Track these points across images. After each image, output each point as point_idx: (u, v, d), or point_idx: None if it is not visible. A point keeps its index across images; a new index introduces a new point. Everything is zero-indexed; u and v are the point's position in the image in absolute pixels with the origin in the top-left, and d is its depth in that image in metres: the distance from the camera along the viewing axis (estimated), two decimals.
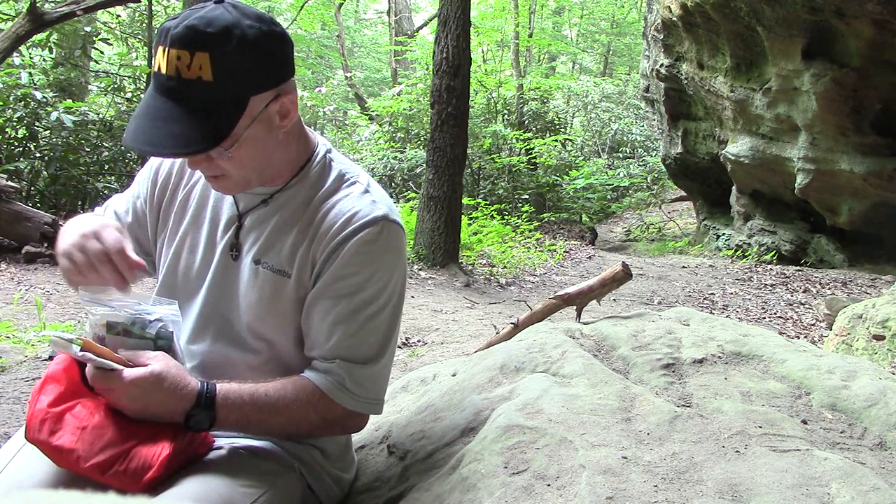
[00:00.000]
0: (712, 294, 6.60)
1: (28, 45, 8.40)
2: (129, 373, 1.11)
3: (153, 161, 1.46)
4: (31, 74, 8.28)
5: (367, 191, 1.31)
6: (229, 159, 1.18)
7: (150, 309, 1.20)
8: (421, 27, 19.38)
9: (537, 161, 13.06)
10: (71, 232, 1.19)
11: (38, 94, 7.66)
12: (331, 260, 1.26)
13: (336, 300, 1.26)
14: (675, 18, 8.57)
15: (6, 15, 9.20)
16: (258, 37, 1.12)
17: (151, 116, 1.13)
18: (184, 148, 1.13)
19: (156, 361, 1.14)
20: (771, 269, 8.19)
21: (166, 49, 1.10)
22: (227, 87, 1.12)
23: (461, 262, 6.98)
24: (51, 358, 1.20)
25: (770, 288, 7.02)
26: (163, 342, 1.20)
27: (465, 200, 7.81)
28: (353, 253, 1.25)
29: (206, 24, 1.09)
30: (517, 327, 2.47)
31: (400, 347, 4.16)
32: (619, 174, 13.76)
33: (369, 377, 1.29)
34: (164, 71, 1.11)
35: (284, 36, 1.18)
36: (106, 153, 8.77)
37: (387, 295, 1.29)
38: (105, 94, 10.02)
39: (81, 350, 1.07)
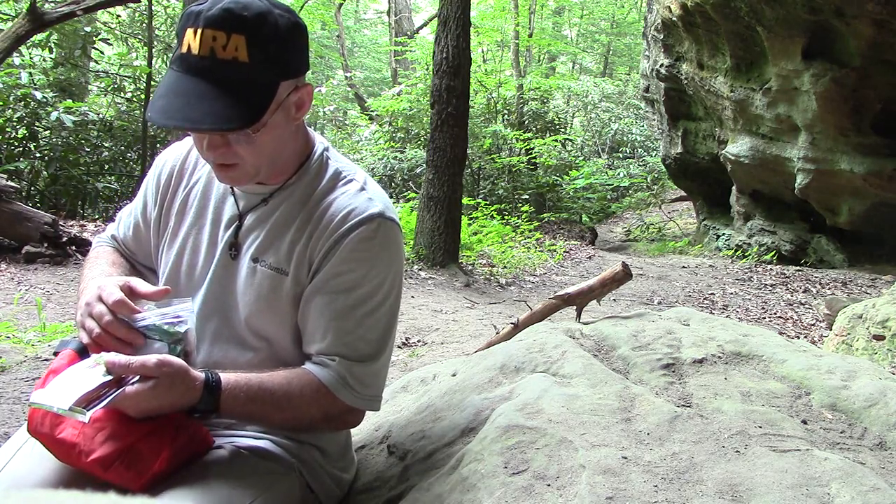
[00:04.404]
0: (712, 294, 6.60)
1: (28, 45, 8.40)
2: (130, 390, 1.07)
3: (155, 167, 1.47)
4: (31, 74, 8.28)
5: (363, 188, 1.32)
6: (249, 145, 1.19)
7: (166, 310, 1.20)
8: (421, 27, 19.38)
9: (537, 161, 13.06)
10: (80, 301, 1.23)
11: (38, 94, 7.66)
12: (327, 257, 1.27)
13: (333, 297, 1.26)
14: (675, 18, 8.57)
15: (6, 15, 9.19)
16: (288, 26, 1.16)
17: (183, 94, 1.13)
18: (224, 124, 1.14)
19: (161, 369, 1.10)
20: (771, 269, 8.19)
21: (198, 30, 1.11)
22: (260, 70, 1.14)
23: (461, 262, 6.98)
24: (55, 355, 1.20)
25: (770, 288, 7.02)
26: (176, 344, 1.20)
27: (465, 200, 7.81)
28: (349, 250, 1.26)
29: (242, 7, 1.12)
30: (517, 327, 2.47)
31: (400, 347, 4.16)
32: (619, 174, 13.77)
33: (369, 374, 1.30)
34: (195, 51, 1.12)
35: (305, 29, 1.22)
36: (106, 153, 8.78)
37: (384, 292, 1.30)
38: (105, 94, 10.04)
39: (83, 411, 1.04)
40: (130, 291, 1.19)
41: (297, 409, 1.24)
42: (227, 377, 1.18)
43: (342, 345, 1.27)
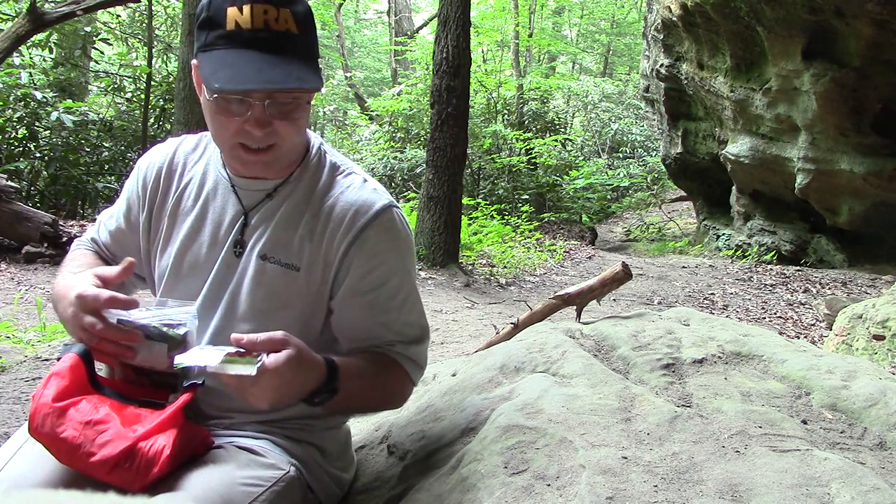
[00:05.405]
0: (712, 294, 6.60)
1: (28, 45, 8.40)
2: (269, 360, 1.09)
3: (139, 170, 1.45)
4: (31, 74, 8.29)
5: (365, 180, 1.36)
6: (291, 122, 1.22)
7: (166, 311, 1.20)
8: (421, 27, 19.39)
9: (537, 161, 13.05)
10: (61, 311, 1.21)
11: (38, 94, 7.67)
12: (349, 255, 1.29)
13: (370, 295, 1.31)
14: (675, 18, 8.57)
15: (6, 15, 9.20)
16: (310, 8, 1.23)
17: (248, 63, 1.15)
18: (304, 83, 1.17)
19: (289, 345, 1.12)
20: (771, 269, 8.19)
21: (244, 6, 1.14)
22: (308, 42, 1.21)
23: (461, 262, 6.98)
24: (58, 359, 1.19)
25: (770, 288, 7.02)
26: (174, 347, 1.19)
27: (465, 200, 7.81)
28: (373, 244, 1.29)
29: None
30: (517, 327, 2.47)
31: None
32: (619, 174, 13.77)
33: (423, 353, 1.39)
34: (247, 26, 1.15)
35: None
36: (106, 153, 8.78)
37: (411, 275, 1.37)
38: (105, 94, 10.03)
39: (253, 360, 1.07)
40: (104, 285, 1.18)
41: (387, 390, 1.33)
42: (336, 358, 1.22)
43: (392, 333, 1.33)
